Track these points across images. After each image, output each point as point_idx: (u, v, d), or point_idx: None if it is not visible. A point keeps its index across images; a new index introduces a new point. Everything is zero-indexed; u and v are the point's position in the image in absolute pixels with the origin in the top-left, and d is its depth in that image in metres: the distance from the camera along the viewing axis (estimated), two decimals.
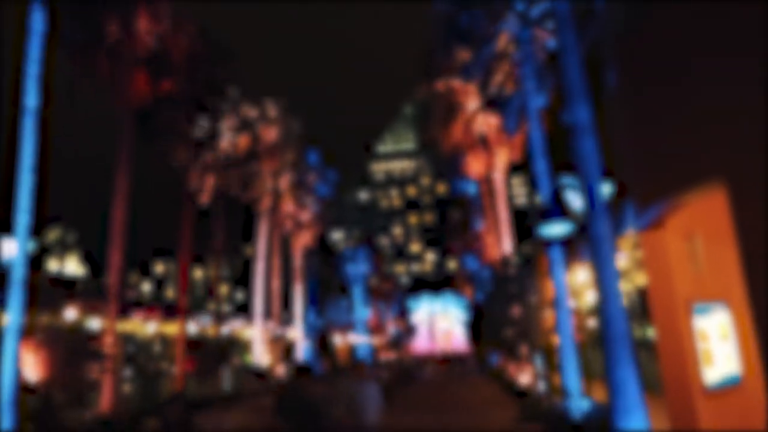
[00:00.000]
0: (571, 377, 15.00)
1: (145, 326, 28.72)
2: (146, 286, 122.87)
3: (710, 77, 7.19)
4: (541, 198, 15.98)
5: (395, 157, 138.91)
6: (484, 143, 25.61)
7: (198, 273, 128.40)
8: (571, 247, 14.98)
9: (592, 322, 16.68)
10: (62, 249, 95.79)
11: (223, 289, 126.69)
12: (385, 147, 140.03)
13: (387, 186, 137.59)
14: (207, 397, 26.64)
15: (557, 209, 11.05)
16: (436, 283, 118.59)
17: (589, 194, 9.99)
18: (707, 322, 7.87)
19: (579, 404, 14.27)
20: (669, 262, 7.80)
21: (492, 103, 25.47)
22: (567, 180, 10.68)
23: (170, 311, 28.76)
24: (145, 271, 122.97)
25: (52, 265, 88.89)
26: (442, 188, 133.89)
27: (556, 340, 15.50)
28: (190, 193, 29.13)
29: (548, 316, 16.26)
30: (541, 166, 16.18)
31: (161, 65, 23.82)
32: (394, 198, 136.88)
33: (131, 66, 22.48)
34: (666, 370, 7.92)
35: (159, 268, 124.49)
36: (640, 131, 7.81)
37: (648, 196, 7.53)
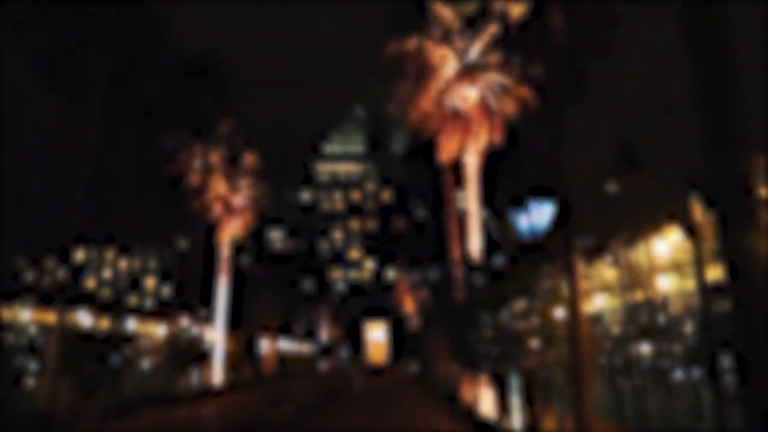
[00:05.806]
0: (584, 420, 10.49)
1: (19, 313, 22.82)
2: (63, 274, 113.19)
3: None
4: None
5: (342, 158, 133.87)
6: (460, 117, 21.13)
7: (123, 263, 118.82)
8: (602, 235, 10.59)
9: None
10: None
11: (149, 282, 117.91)
12: (332, 147, 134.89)
13: (331, 188, 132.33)
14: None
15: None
16: (374, 293, 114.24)
17: None
18: None
19: None
20: None
21: (470, 68, 21.14)
22: None
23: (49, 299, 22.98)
24: (65, 258, 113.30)
25: None
26: (387, 195, 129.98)
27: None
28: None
29: (553, 325, 11.83)
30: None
31: None
32: (337, 201, 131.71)
33: None
34: None
35: (80, 255, 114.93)
36: None
37: None
